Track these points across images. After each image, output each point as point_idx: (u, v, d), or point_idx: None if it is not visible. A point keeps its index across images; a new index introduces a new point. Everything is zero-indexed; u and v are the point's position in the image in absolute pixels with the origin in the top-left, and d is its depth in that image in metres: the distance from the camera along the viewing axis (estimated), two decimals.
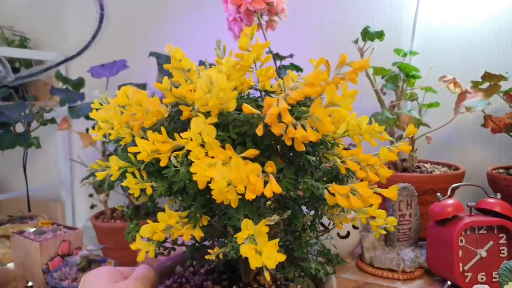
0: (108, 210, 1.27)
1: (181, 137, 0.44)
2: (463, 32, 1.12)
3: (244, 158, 0.39)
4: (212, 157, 0.40)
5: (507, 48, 1.07)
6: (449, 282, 0.79)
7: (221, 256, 0.44)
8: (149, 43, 1.56)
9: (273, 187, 0.38)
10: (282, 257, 0.37)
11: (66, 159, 1.65)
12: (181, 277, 0.62)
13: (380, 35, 0.99)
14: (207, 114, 0.43)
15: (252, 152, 0.40)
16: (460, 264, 0.77)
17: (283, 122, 0.39)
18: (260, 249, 0.37)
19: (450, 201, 0.80)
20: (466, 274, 0.77)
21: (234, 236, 0.40)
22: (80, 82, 1.33)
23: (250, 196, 0.37)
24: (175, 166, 0.42)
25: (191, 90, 0.46)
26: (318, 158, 0.48)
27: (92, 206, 1.33)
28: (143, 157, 0.42)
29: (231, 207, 0.40)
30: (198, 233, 0.45)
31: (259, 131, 0.39)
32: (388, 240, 0.89)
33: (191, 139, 0.41)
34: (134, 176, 0.44)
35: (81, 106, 1.19)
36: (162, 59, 1.36)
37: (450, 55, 1.13)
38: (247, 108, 0.40)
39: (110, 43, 1.61)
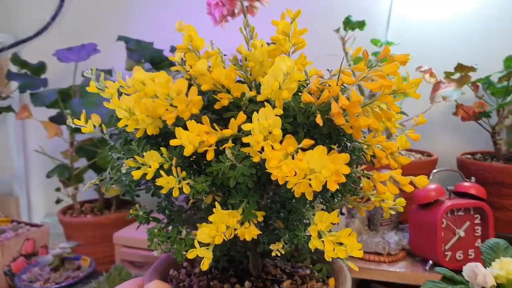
0: (77, 204, 1.22)
1: (219, 129, 0.44)
2: (437, 25, 1.20)
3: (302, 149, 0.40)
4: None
5: (477, 41, 1.17)
6: (431, 262, 0.85)
7: (283, 251, 0.45)
8: (116, 26, 1.50)
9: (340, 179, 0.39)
10: (359, 246, 0.39)
11: (19, 150, 1.55)
12: (180, 281, 0.60)
13: (361, 24, 1.03)
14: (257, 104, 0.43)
15: (308, 142, 0.41)
16: (442, 244, 0.84)
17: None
18: (341, 241, 0.39)
19: (433, 186, 0.86)
20: (446, 253, 0.84)
21: (307, 229, 0.41)
22: (40, 67, 1.25)
23: (333, 187, 0.37)
24: (218, 161, 0.42)
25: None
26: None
27: (58, 201, 1.27)
28: (190, 151, 0.40)
29: (293, 200, 0.41)
30: (255, 231, 0.42)
31: (319, 120, 0.40)
32: (372, 225, 0.95)
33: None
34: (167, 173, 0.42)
35: (45, 93, 1.13)
36: (131, 44, 1.31)
37: (424, 46, 1.20)
38: (308, 97, 0.41)
39: (70, 26, 1.54)
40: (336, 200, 0.54)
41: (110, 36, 1.32)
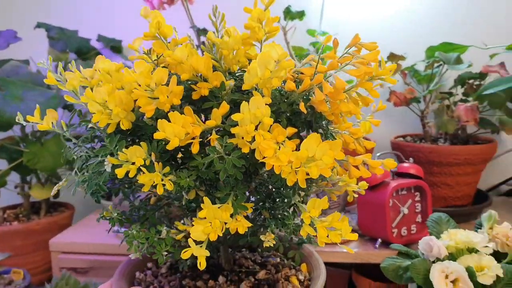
0: None
1: (202, 120, 0.41)
2: (368, 16, 1.25)
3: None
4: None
5: (405, 31, 1.24)
6: (380, 240, 0.90)
7: (274, 242, 0.43)
8: (33, 12, 1.36)
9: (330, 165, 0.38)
10: (350, 229, 0.39)
11: None
12: (149, 283, 0.57)
13: (301, 15, 1.04)
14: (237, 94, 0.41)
15: (292, 130, 0.40)
16: (390, 223, 0.88)
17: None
18: (333, 225, 0.39)
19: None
20: (393, 230, 0.89)
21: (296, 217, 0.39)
22: None
23: (328, 173, 0.36)
24: (205, 154, 0.39)
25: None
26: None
27: None
28: (175, 144, 0.36)
29: (283, 190, 0.40)
30: (246, 224, 0.40)
31: (303, 108, 0.39)
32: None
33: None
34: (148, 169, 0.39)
35: None
36: (53, 32, 1.20)
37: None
38: (292, 85, 0.40)
39: None
40: (311, 187, 0.54)
41: (26, 22, 1.20)
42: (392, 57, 1.08)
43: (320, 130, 0.46)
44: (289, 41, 1.03)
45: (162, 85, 0.38)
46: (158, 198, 0.55)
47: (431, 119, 1.10)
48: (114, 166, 0.38)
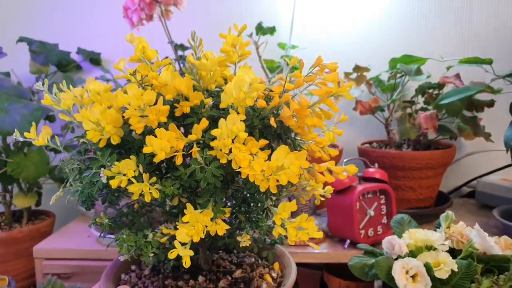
0: None
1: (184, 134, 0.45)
2: (335, 29, 1.31)
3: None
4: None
5: (371, 45, 1.31)
6: (348, 241, 0.95)
7: (249, 242, 0.47)
8: (14, 27, 1.37)
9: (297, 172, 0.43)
10: (316, 228, 0.44)
11: None
12: (134, 284, 0.60)
13: (272, 30, 1.09)
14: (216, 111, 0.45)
15: (264, 142, 0.44)
16: (358, 224, 0.94)
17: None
18: (302, 225, 0.43)
19: (345, 173, 0.96)
20: (360, 231, 0.95)
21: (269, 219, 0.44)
22: None
23: (296, 180, 0.41)
24: (187, 165, 0.43)
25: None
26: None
27: None
28: (161, 157, 0.41)
29: (256, 195, 0.44)
30: (225, 226, 0.45)
31: (273, 122, 0.44)
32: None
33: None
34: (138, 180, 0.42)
35: None
36: (35, 46, 1.21)
37: (324, 49, 1.31)
38: (263, 103, 0.44)
39: None
40: (282, 192, 0.58)
41: (7, 35, 1.21)
42: (357, 68, 1.14)
43: (289, 141, 0.51)
44: (261, 54, 1.08)
45: (150, 105, 0.42)
46: (140, 205, 0.58)
47: (394, 127, 1.17)
48: (108, 178, 0.42)
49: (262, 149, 0.44)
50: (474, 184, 1.30)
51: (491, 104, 1.13)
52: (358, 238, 0.92)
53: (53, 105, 0.50)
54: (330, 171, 0.54)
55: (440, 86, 1.15)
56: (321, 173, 0.54)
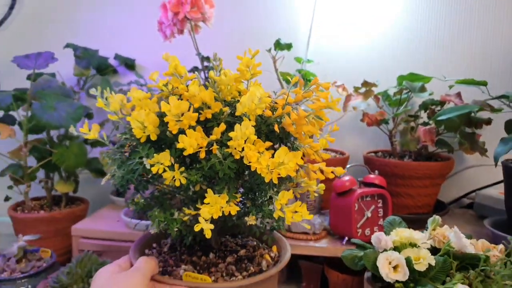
0: (29, 201, 1.25)
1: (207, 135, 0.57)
2: (347, 46, 1.42)
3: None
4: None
5: (378, 62, 1.41)
6: (347, 238, 1.05)
7: (254, 222, 0.59)
8: (59, 34, 1.53)
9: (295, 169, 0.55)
10: (307, 212, 0.55)
11: None
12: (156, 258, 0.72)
13: (289, 46, 1.21)
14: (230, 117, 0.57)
15: (269, 144, 0.56)
16: (355, 224, 1.04)
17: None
18: (298, 210, 0.55)
19: (347, 177, 1.06)
20: (358, 230, 1.04)
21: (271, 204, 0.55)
22: None
23: (293, 173, 0.53)
24: (208, 159, 0.55)
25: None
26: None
27: (7, 198, 1.28)
28: (190, 151, 0.53)
29: (261, 186, 0.56)
30: (236, 208, 0.56)
31: (277, 128, 0.56)
32: None
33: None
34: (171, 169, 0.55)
35: (0, 96, 1.15)
36: (79, 51, 1.37)
37: (337, 64, 1.42)
38: (269, 112, 0.56)
39: (17, 31, 1.54)
40: (281, 185, 0.70)
41: (54, 42, 1.36)
42: (366, 84, 1.24)
43: (289, 144, 0.63)
44: (278, 67, 1.20)
45: (184, 112, 0.54)
46: (162, 192, 0.71)
47: (398, 138, 1.26)
48: (144, 166, 0.55)
49: (267, 149, 0.56)
50: (473, 196, 1.38)
51: (488, 122, 1.21)
52: (355, 236, 1.02)
53: (104, 107, 0.63)
54: (322, 171, 0.65)
55: (442, 103, 1.24)
56: (315, 172, 0.65)
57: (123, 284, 0.55)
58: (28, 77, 1.31)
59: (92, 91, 0.62)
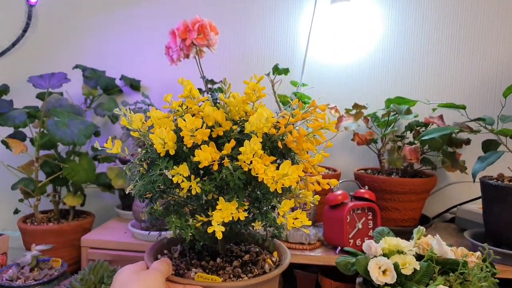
0: (38, 214, 1.30)
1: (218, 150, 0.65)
2: (339, 70, 1.53)
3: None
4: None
5: (368, 85, 1.51)
6: (339, 247, 1.12)
7: (260, 227, 0.66)
8: (69, 55, 1.61)
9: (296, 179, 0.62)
10: (306, 218, 0.62)
11: None
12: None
13: (286, 71, 1.30)
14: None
15: (272, 158, 0.64)
16: (347, 234, 1.11)
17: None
18: (298, 217, 0.62)
19: (339, 191, 1.14)
20: (350, 240, 1.12)
21: (274, 212, 0.63)
22: (4, 89, 1.33)
23: (294, 184, 0.60)
24: (220, 171, 0.62)
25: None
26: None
27: (17, 211, 1.34)
28: (204, 164, 0.59)
29: (268, 194, 0.63)
30: (243, 215, 0.62)
31: (280, 145, 0.64)
32: None
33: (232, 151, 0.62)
34: (188, 180, 0.62)
35: (14, 114, 1.22)
36: (87, 72, 1.44)
37: (330, 88, 1.52)
38: (273, 130, 0.64)
39: (29, 52, 1.62)
40: (283, 196, 0.77)
41: (63, 63, 1.44)
42: (356, 106, 1.34)
43: (289, 159, 0.70)
44: (276, 90, 1.29)
45: (199, 129, 0.62)
46: (175, 202, 0.78)
47: (386, 157, 1.35)
48: (165, 177, 0.62)
49: (271, 163, 0.64)
50: (455, 210, 1.46)
51: (468, 142, 1.31)
52: (346, 245, 1.09)
53: (127, 125, 0.70)
54: (319, 183, 0.73)
55: (426, 124, 1.34)
56: (312, 183, 0.73)
57: (144, 280, 0.61)
58: (38, 96, 1.38)
59: (116, 110, 0.69)
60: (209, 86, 1.28)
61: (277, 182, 0.60)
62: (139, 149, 0.71)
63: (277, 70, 1.28)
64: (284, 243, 1.15)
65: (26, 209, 1.36)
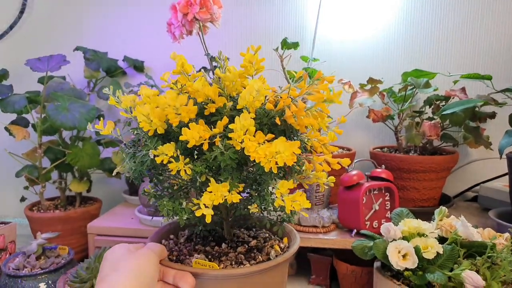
0: (44, 201, 1.27)
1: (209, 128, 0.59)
2: (352, 44, 1.44)
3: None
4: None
5: (383, 59, 1.42)
6: (355, 230, 1.06)
7: (257, 210, 0.61)
8: (70, 37, 1.56)
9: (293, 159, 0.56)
10: (307, 201, 0.56)
11: None
12: (171, 248, 0.73)
13: (295, 45, 1.22)
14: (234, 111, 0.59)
15: (270, 136, 0.57)
16: (363, 216, 1.05)
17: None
18: (295, 199, 0.56)
19: (355, 172, 1.07)
20: (366, 223, 1.05)
21: (274, 192, 0.57)
22: (3, 74, 1.28)
23: (291, 162, 0.54)
24: (212, 150, 0.56)
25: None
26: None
27: (23, 199, 1.31)
28: (192, 143, 0.53)
29: (263, 175, 0.57)
30: (238, 196, 0.57)
31: (278, 121, 0.57)
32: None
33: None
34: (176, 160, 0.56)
35: (14, 99, 1.17)
36: (89, 54, 1.39)
37: (343, 62, 1.44)
38: (270, 105, 0.58)
39: (26, 35, 1.57)
40: (289, 177, 0.71)
41: (63, 46, 1.39)
42: (371, 81, 1.25)
43: (295, 138, 0.64)
44: (285, 66, 1.21)
45: (183, 105, 0.56)
46: (179, 186, 0.73)
47: (403, 134, 1.27)
48: (154, 157, 0.56)
49: (270, 141, 0.57)
50: (478, 189, 1.38)
51: (492, 115, 1.22)
52: (363, 228, 1.03)
53: (116, 105, 0.65)
54: (328, 163, 0.66)
55: (446, 98, 1.25)
56: (320, 164, 0.66)
57: (137, 259, 0.56)
58: (39, 80, 1.34)
59: (105, 90, 0.63)
60: (214, 64, 1.21)
61: (270, 160, 0.54)
62: (130, 130, 0.66)
63: (286, 44, 1.20)
64: (296, 226, 1.09)
65: (33, 196, 1.33)
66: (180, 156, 0.58)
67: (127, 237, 1.13)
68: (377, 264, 0.89)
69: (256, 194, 0.63)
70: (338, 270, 1.12)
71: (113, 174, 0.64)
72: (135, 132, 0.66)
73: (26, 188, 1.27)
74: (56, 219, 1.22)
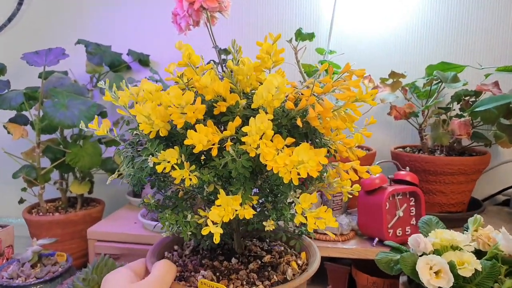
0: (43, 203, 1.21)
1: (219, 130, 0.50)
2: (370, 37, 1.34)
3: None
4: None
5: (405, 52, 1.32)
6: (377, 239, 0.97)
7: (273, 227, 0.52)
8: (71, 30, 1.49)
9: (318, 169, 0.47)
10: (333, 219, 0.47)
11: None
12: (175, 261, 0.65)
13: (311, 36, 1.13)
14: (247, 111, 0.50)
15: (290, 140, 0.49)
16: (386, 224, 0.96)
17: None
18: (320, 215, 0.47)
19: (377, 174, 0.98)
20: (389, 230, 0.97)
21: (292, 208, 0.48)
22: (0, 69, 1.22)
23: (315, 174, 0.45)
24: (222, 156, 0.48)
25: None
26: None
27: (21, 201, 1.25)
28: (199, 148, 0.46)
29: (281, 186, 0.49)
30: (251, 211, 0.49)
31: (300, 123, 0.48)
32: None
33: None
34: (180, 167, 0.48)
35: (11, 95, 1.11)
36: (91, 47, 1.32)
37: (361, 55, 1.34)
38: (290, 104, 0.49)
39: (26, 28, 1.50)
40: (310, 186, 0.62)
41: (65, 39, 1.31)
42: (393, 75, 1.16)
43: (317, 140, 0.55)
44: (300, 59, 1.12)
45: (189, 104, 0.47)
46: (185, 192, 0.64)
47: (428, 132, 1.17)
48: (154, 164, 0.48)
49: (289, 146, 0.49)
50: (510, 192, 1.28)
51: None
52: (386, 236, 0.94)
53: (112, 101, 0.57)
54: (355, 170, 0.58)
55: (477, 93, 1.15)
56: (346, 171, 0.57)
57: None
58: (40, 75, 1.27)
59: (100, 83, 0.56)
60: (223, 56, 1.13)
61: (291, 171, 0.45)
62: (129, 130, 0.58)
63: (300, 35, 1.11)
64: (314, 233, 1.00)
65: (33, 198, 1.26)
66: (185, 162, 0.50)
67: (128, 243, 1.05)
68: (403, 278, 0.81)
69: (272, 207, 0.54)
70: (358, 281, 1.04)
71: (107, 183, 0.57)
72: (134, 132, 0.58)
73: (24, 189, 1.20)
74: (55, 223, 1.15)
